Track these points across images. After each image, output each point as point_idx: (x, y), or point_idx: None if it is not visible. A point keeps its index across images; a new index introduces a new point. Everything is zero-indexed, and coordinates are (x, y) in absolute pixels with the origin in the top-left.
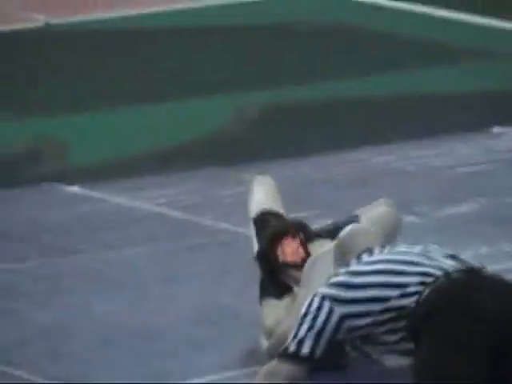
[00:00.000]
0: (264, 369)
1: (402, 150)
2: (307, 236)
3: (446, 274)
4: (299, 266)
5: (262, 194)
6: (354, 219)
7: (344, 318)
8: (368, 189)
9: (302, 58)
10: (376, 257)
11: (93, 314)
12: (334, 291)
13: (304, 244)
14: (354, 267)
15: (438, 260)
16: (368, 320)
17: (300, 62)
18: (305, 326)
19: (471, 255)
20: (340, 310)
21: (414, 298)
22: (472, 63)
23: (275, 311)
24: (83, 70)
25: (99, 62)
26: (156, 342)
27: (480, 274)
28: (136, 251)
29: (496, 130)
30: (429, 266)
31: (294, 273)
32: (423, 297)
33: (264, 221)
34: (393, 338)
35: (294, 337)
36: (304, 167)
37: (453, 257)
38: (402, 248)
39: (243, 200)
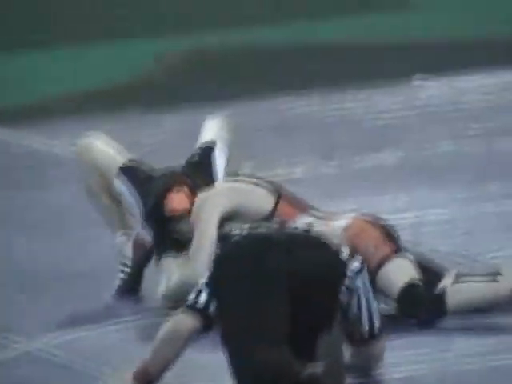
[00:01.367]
0: (171, 320)
1: (324, 99)
2: (194, 185)
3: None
4: (187, 216)
5: (105, 147)
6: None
7: None
8: (289, 137)
9: (221, 3)
10: None
11: (14, 257)
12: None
13: (192, 192)
14: None
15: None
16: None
17: (222, 7)
18: (204, 279)
19: (389, 203)
20: None
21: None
22: (395, 12)
23: (176, 264)
24: None
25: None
26: (78, 286)
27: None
28: (57, 193)
29: (417, 82)
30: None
31: (182, 226)
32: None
33: (134, 170)
34: None
35: (195, 289)
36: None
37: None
38: None
39: (163, 145)
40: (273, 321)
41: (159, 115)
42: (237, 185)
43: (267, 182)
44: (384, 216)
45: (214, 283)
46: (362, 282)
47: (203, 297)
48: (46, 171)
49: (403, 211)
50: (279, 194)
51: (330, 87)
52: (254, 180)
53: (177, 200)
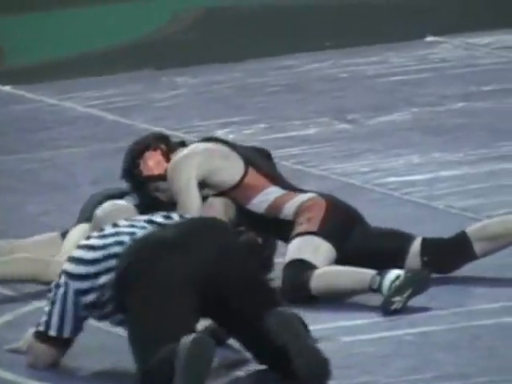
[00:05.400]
0: (28, 346)
1: (336, 58)
2: (170, 147)
3: (133, 241)
4: (165, 176)
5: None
6: None
7: (78, 293)
8: (301, 95)
9: None
10: (107, 231)
11: (27, 214)
12: (69, 266)
13: (167, 155)
14: (92, 241)
15: (138, 227)
16: (94, 295)
17: None
18: (50, 302)
19: (403, 164)
20: (74, 285)
21: (112, 273)
22: None
23: None
24: None
25: None
26: None
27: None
28: (70, 152)
29: (429, 38)
30: (126, 234)
31: (161, 185)
32: (116, 271)
33: None
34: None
35: (45, 313)
36: (238, 72)
37: (151, 221)
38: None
39: (176, 104)
40: (178, 319)
41: (173, 75)
42: (212, 146)
43: (242, 147)
44: (398, 175)
45: (117, 293)
46: None
47: (55, 320)
48: (59, 130)
49: (417, 172)
50: (250, 162)
51: (342, 46)
52: (228, 144)
53: (153, 160)
